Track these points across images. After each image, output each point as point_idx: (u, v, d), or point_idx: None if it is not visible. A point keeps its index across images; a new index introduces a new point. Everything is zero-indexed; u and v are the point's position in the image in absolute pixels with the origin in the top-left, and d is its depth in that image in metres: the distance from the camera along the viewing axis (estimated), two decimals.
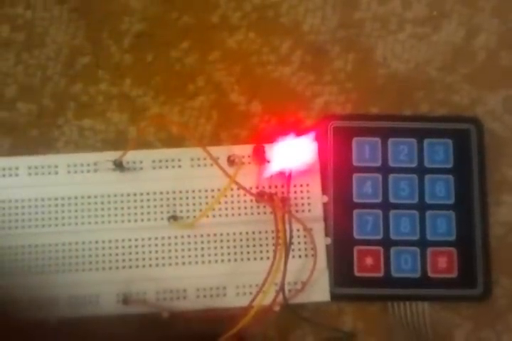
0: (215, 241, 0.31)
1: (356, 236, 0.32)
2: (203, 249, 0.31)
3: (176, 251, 0.31)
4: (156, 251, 0.31)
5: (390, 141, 0.33)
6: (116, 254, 0.31)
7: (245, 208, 0.32)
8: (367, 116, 0.33)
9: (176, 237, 0.31)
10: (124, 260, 0.31)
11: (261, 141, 0.32)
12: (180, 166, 0.32)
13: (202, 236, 0.31)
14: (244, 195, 0.31)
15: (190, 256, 0.31)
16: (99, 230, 0.31)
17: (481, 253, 0.32)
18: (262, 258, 0.31)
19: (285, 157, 0.31)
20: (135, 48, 0.34)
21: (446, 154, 0.33)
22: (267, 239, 0.31)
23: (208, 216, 0.31)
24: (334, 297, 0.31)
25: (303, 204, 0.32)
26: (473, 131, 0.33)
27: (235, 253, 0.31)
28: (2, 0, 0.34)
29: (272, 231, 0.31)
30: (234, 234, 0.31)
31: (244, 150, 0.32)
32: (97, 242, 0.31)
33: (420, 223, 0.32)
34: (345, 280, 0.31)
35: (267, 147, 0.31)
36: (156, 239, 0.31)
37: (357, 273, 0.32)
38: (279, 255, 0.29)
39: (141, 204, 0.31)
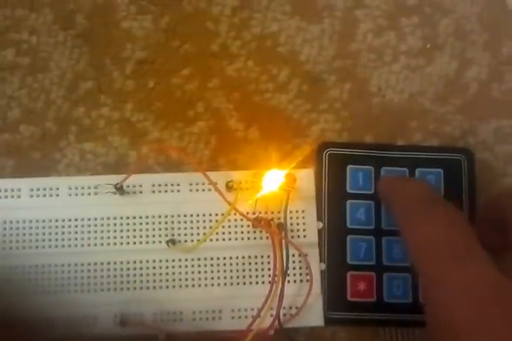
0: (212, 265, 0.32)
1: (349, 261, 0.32)
2: (199, 272, 0.32)
3: (174, 273, 0.32)
4: (154, 274, 0.31)
5: (383, 169, 0.33)
6: (115, 276, 0.31)
7: (242, 233, 0.32)
8: (361, 144, 0.34)
9: (173, 260, 0.32)
10: (122, 282, 0.31)
11: (258, 166, 0.33)
12: (179, 190, 0.33)
13: (199, 259, 0.32)
14: (242, 219, 0.32)
15: (187, 279, 0.32)
16: (99, 252, 0.32)
17: None
18: (257, 283, 0.32)
19: (281, 183, 0.31)
20: (137, 74, 0.35)
21: (437, 183, 0.33)
22: (262, 263, 0.32)
23: (205, 240, 0.32)
24: (328, 321, 0.32)
25: (298, 230, 0.32)
26: (464, 161, 0.34)
27: (231, 277, 0.32)
28: (8, 25, 0.35)
29: (268, 256, 0.32)
30: (230, 258, 0.32)
31: (242, 176, 0.32)
32: (95, 264, 0.31)
33: None
34: (339, 304, 0.32)
35: (266, 173, 0.32)
36: (154, 261, 0.32)
37: (350, 298, 0.32)
38: (277, 280, 0.29)
39: (140, 227, 0.32)
